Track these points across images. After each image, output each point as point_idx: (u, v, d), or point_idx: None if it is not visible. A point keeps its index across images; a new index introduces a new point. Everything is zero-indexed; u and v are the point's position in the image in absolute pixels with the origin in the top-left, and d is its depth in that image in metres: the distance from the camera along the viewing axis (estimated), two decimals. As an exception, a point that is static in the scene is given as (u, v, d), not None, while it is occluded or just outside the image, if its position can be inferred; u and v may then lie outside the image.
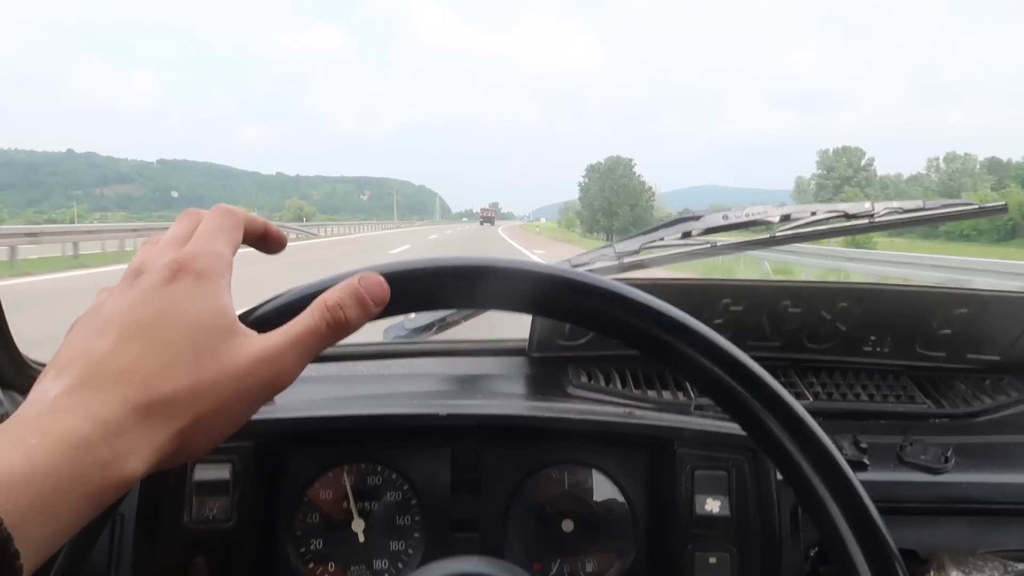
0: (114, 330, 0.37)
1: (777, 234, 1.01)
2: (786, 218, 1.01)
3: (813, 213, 1.00)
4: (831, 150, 75.54)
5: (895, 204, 1.01)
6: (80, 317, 0.39)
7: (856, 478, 0.43)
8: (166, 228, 0.45)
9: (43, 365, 0.36)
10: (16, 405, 0.70)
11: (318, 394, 0.94)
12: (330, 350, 1.09)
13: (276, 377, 0.39)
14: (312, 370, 1.04)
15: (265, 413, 0.81)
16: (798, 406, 0.43)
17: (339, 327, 0.40)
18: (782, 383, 1.07)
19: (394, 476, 0.83)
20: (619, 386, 1.00)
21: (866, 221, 0.99)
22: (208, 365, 0.37)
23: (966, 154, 75.94)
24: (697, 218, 1.02)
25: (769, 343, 1.04)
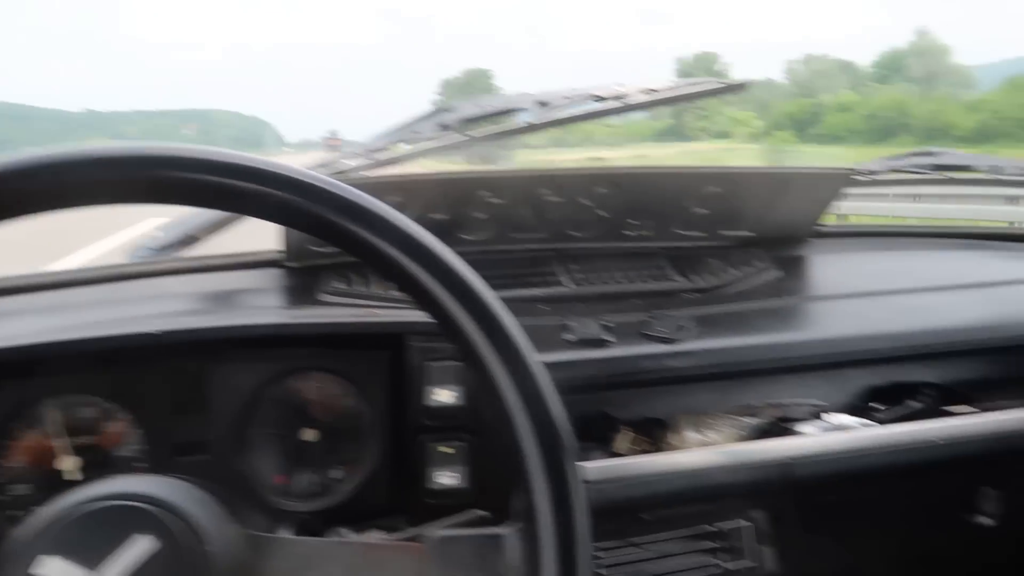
0: None
1: (535, 121, 0.99)
2: (543, 104, 0.98)
3: (567, 98, 0.98)
4: (692, 56, 75.86)
5: (648, 86, 1.01)
6: None
7: (522, 342, 0.42)
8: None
9: None
10: None
11: (25, 327, 0.84)
12: (54, 277, 0.98)
13: None
14: (26, 301, 0.93)
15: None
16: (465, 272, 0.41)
17: None
18: (543, 272, 1.06)
19: (110, 406, 0.76)
20: (378, 289, 0.96)
21: (620, 103, 0.99)
22: None
23: (825, 55, 76.91)
24: (452, 109, 0.97)
25: (535, 234, 1.03)
